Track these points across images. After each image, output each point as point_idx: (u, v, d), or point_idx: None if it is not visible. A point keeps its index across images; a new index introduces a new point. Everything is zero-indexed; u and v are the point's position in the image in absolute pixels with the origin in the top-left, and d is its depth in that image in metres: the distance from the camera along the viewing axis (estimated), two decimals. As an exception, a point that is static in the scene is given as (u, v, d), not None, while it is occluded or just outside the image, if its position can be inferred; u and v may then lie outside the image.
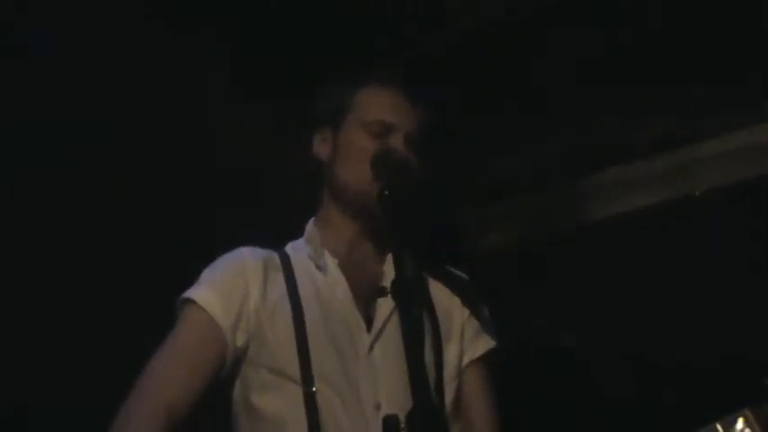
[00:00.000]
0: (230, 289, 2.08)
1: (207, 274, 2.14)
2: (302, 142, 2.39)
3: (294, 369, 2.01)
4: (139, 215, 3.25)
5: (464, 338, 2.20)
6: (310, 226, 2.28)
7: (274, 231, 3.02)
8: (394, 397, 1.98)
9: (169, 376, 2.01)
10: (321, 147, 2.27)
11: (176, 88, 3.28)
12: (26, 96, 3.08)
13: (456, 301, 2.21)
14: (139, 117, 3.25)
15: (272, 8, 3.31)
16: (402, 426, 1.77)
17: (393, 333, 2.02)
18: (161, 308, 2.38)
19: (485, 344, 2.23)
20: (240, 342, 2.06)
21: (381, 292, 2.03)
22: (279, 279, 2.12)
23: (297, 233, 2.39)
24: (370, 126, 2.19)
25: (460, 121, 3.44)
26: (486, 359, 2.23)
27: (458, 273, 2.26)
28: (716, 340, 3.23)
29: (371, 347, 2.07)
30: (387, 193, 2.01)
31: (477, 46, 3.32)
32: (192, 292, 2.10)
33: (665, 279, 3.42)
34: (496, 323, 2.24)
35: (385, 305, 2.07)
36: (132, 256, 3.24)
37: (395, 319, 2.03)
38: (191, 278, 2.32)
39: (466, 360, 2.20)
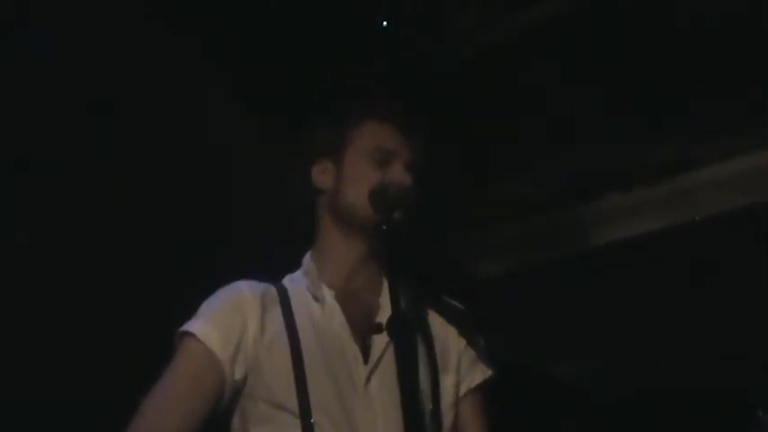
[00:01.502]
0: (229, 323, 2.10)
1: (205, 308, 2.16)
2: (300, 142, 2.41)
3: (292, 401, 2.03)
4: (139, 215, 3.27)
5: (460, 368, 2.22)
6: (307, 259, 2.29)
7: (273, 232, 3.05)
8: (392, 428, 2.00)
9: (167, 410, 2.03)
10: (321, 177, 2.28)
11: (176, 88, 3.28)
12: (26, 96, 3.09)
13: (452, 331, 2.24)
14: (139, 117, 3.26)
15: (271, 8, 3.31)
16: None
17: (390, 365, 2.02)
18: (159, 307, 2.40)
19: (481, 373, 2.25)
20: (238, 375, 2.08)
21: (377, 328, 2.03)
22: (276, 312, 2.14)
23: (295, 234, 2.41)
24: (372, 154, 2.22)
25: (459, 148, 3.45)
26: (483, 388, 2.25)
27: (453, 302, 2.28)
28: (715, 363, 3.25)
29: (368, 379, 2.09)
30: (384, 227, 2.04)
31: (478, 69, 3.34)
32: (190, 326, 2.12)
33: (666, 304, 3.43)
34: (493, 349, 2.27)
35: (382, 337, 2.08)
36: (132, 256, 3.26)
37: (392, 350, 2.03)
38: (190, 278, 2.33)
39: (463, 390, 2.22)
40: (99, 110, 3.20)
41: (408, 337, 1.92)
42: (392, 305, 1.91)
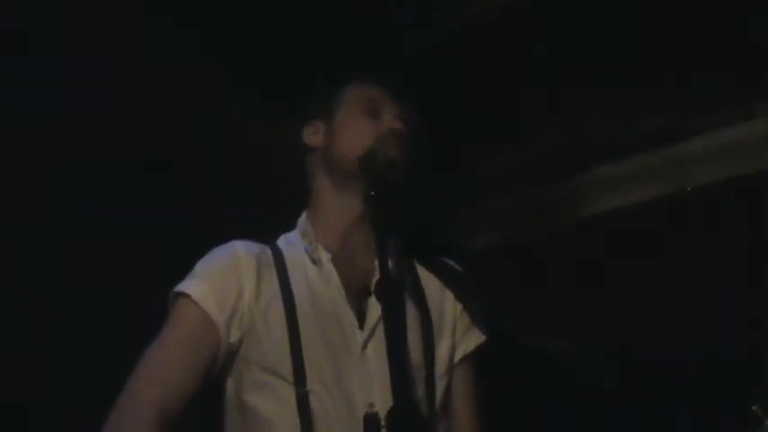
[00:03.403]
0: (224, 285, 2.06)
1: (200, 268, 2.12)
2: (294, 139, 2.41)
3: (287, 368, 2.00)
4: (139, 211, 3.25)
5: (456, 333, 2.20)
6: (303, 220, 2.27)
7: (273, 229, 3.02)
8: (388, 395, 1.89)
9: (162, 373, 1.99)
10: (312, 137, 2.30)
11: (175, 81, 3.28)
12: (25, 92, 3.09)
13: (448, 294, 2.21)
14: (138, 114, 3.25)
15: (271, 6, 3.31)
16: (382, 423, 1.76)
17: None
18: (157, 305, 2.37)
19: (476, 339, 2.23)
20: (234, 338, 2.04)
21: (368, 291, 2.01)
22: (272, 275, 2.11)
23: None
24: (361, 105, 2.24)
25: (452, 120, 3.44)
26: (476, 355, 2.23)
27: (451, 263, 2.26)
28: (706, 336, 3.21)
29: (365, 345, 2.06)
30: (372, 193, 2.02)
31: (466, 44, 3.33)
32: (185, 286, 2.08)
33: (658, 275, 3.40)
34: (488, 322, 2.23)
35: (377, 302, 2.01)
36: (131, 254, 3.24)
37: (388, 316, 2.01)
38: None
39: (458, 356, 2.20)
40: (97, 108, 3.19)
41: (396, 299, 1.87)
42: (379, 268, 1.87)
